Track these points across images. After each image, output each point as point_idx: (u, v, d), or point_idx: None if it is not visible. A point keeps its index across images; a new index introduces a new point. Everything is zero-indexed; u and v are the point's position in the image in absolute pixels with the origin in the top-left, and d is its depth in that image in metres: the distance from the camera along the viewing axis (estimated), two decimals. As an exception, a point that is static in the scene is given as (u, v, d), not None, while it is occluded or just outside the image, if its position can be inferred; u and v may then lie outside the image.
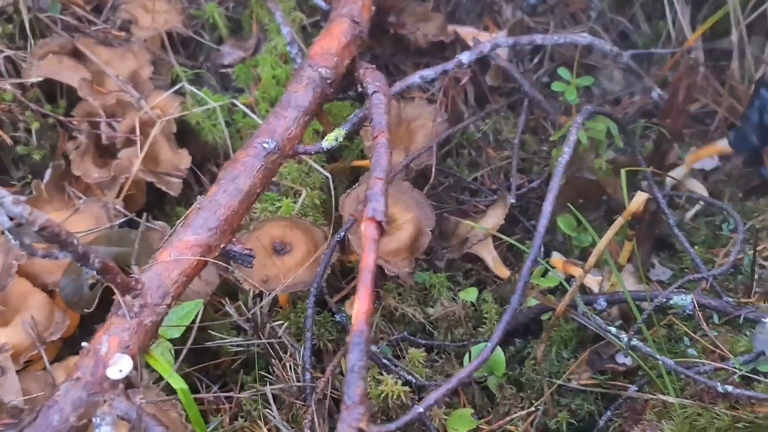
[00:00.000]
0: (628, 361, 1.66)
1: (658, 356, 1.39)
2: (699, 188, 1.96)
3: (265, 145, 1.34)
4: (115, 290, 1.18)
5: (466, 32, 2.13)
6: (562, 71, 1.97)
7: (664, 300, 1.49)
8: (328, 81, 1.44)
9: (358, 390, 0.98)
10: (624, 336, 1.47)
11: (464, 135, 2.07)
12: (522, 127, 2.06)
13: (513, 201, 1.94)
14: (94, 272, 1.12)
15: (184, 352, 1.12)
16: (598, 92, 2.24)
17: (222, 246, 1.30)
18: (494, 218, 1.81)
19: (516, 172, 1.99)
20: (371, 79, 1.36)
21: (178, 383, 1.12)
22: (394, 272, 1.58)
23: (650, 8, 2.25)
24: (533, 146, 2.09)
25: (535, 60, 2.21)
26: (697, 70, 1.73)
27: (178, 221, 1.31)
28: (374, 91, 1.32)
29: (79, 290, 1.45)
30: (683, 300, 1.46)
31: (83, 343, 1.18)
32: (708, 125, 2.09)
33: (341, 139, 1.38)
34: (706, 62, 2.09)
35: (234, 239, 1.32)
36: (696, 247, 1.78)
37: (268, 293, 1.57)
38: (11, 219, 0.98)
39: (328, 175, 1.81)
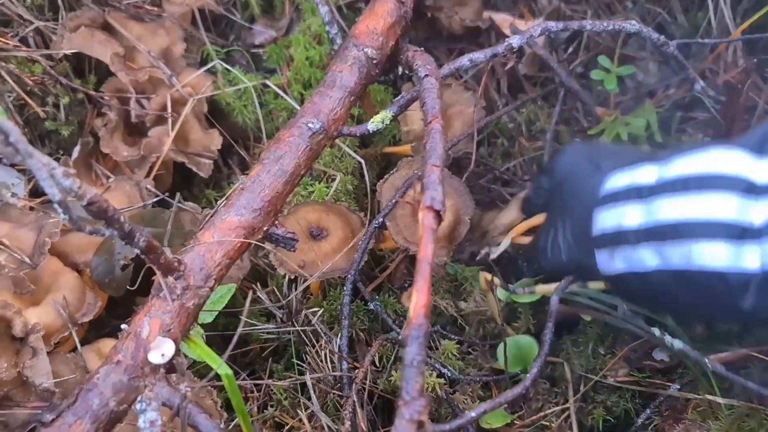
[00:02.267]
0: (666, 357, 1.62)
1: (707, 361, 1.35)
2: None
3: (311, 125, 1.29)
4: (157, 271, 1.14)
5: (502, 19, 2.07)
6: (603, 59, 1.92)
7: None
8: (374, 61, 1.39)
9: (417, 385, 0.94)
10: (667, 337, 1.43)
11: (498, 125, 2.02)
12: (556, 117, 2.02)
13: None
14: (137, 251, 1.07)
15: (234, 339, 1.07)
16: (633, 84, 2.19)
17: (265, 228, 1.25)
18: (512, 212, 1.78)
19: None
20: (421, 62, 1.31)
21: (224, 369, 1.08)
22: (434, 260, 1.53)
23: (688, 0, 2.20)
24: (567, 138, 2.05)
25: (570, 50, 2.16)
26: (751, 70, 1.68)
27: (219, 201, 1.26)
28: (426, 75, 1.27)
29: (111, 271, 1.40)
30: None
31: (123, 325, 1.14)
32: (747, 120, 2.04)
33: (388, 122, 1.34)
34: (748, 56, 2.04)
35: (277, 222, 1.27)
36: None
37: (303, 279, 1.53)
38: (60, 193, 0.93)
39: (362, 161, 1.76)
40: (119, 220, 1.02)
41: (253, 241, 1.22)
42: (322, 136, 1.31)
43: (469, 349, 1.70)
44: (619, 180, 1.34)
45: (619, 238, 1.30)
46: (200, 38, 1.83)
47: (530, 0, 2.14)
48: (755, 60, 1.71)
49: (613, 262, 1.34)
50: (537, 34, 1.43)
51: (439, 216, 1.07)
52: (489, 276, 1.62)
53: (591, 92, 2.11)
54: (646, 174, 1.29)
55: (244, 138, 1.88)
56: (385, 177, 1.60)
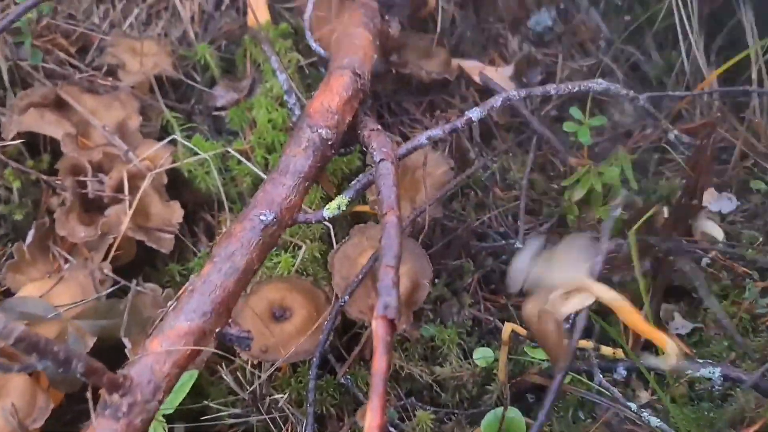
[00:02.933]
0: (653, 421, 1.58)
1: (685, 440, 1.30)
2: (715, 231, 1.87)
3: (262, 218, 1.24)
4: (102, 390, 1.09)
5: (471, 66, 2.03)
6: (574, 111, 1.88)
7: (688, 373, 1.40)
8: (329, 142, 1.34)
9: None
10: (645, 414, 1.38)
11: (470, 176, 1.97)
12: (530, 165, 1.98)
13: (520, 246, 1.85)
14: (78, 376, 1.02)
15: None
16: (609, 125, 2.15)
17: (218, 330, 1.20)
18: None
19: (524, 215, 1.90)
20: (377, 144, 1.26)
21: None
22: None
23: (662, 37, 2.15)
24: (542, 186, 2.00)
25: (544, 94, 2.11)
26: (719, 121, 1.63)
27: (170, 303, 1.21)
28: (381, 159, 1.22)
29: (64, 369, 1.35)
30: (711, 372, 1.37)
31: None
32: (725, 161, 2.00)
33: (344, 207, 1.29)
34: (723, 98, 2.00)
35: (230, 320, 1.22)
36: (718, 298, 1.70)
37: (268, 364, 1.48)
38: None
39: (329, 225, 1.71)
40: (53, 351, 0.97)
41: (204, 348, 1.17)
42: (275, 227, 1.26)
43: (445, 418, 1.65)
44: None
45: None
46: (159, 106, 1.78)
47: (500, 45, 2.09)
48: (719, 114, 1.67)
49: None
50: (498, 104, 1.38)
51: (393, 325, 1.02)
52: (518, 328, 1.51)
53: (566, 136, 2.07)
54: None
55: (209, 204, 1.83)
56: (337, 246, 1.55)
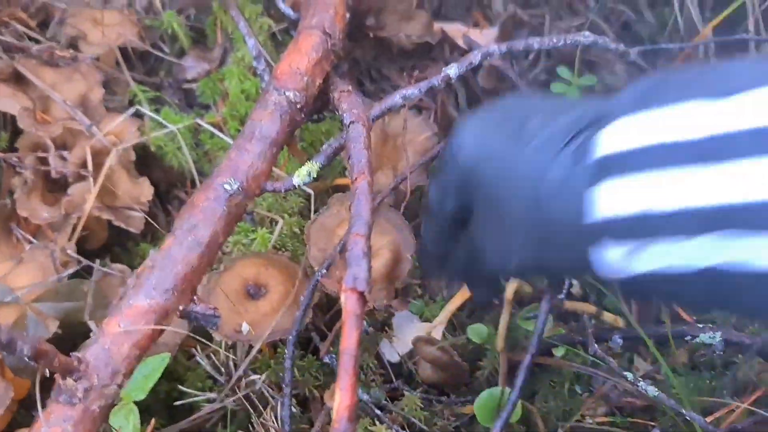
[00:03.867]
0: (651, 390, 1.51)
1: (684, 411, 1.23)
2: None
3: (227, 187, 1.16)
4: (56, 374, 1.01)
5: (454, 29, 1.93)
6: (562, 71, 1.80)
7: (689, 338, 1.33)
8: (298, 106, 1.25)
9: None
10: (642, 384, 1.31)
11: (456, 144, 1.89)
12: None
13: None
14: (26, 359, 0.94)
15: None
16: (600, 88, 2.06)
17: (181, 308, 1.12)
18: None
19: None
20: (347, 105, 1.17)
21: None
22: (370, 305, 1.40)
23: (654, -6, 2.06)
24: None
25: (531, 56, 2.02)
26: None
27: (129, 281, 1.13)
28: (351, 121, 1.13)
29: (25, 355, 1.27)
30: (711, 338, 1.30)
31: (20, 437, 1.01)
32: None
33: (315, 174, 1.20)
34: (719, 52, 1.90)
35: (195, 297, 1.14)
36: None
37: (243, 344, 1.40)
38: None
39: (311, 193, 1.63)
40: (-8, 333, 0.89)
41: (165, 327, 1.09)
42: (241, 197, 1.18)
43: (434, 400, 1.57)
44: (626, 134, 0.78)
45: (649, 226, 0.78)
46: (125, 79, 1.69)
47: (484, 6, 2.00)
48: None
49: (633, 260, 0.82)
50: (477, 61, 1.29)
51: (363, 298, 0.94)
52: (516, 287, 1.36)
53: (556, 101, 1.98)
54: (689, 119, 0.74)
55: (181, 181, 1.75)
56: (313, 217, 1.47)
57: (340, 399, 0.86)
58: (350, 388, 0.87)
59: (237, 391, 1.43)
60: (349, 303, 0.92)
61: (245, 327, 1.36)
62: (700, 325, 1.39)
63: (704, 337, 1.32)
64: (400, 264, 1.45)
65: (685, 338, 1.37)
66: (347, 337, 0.90)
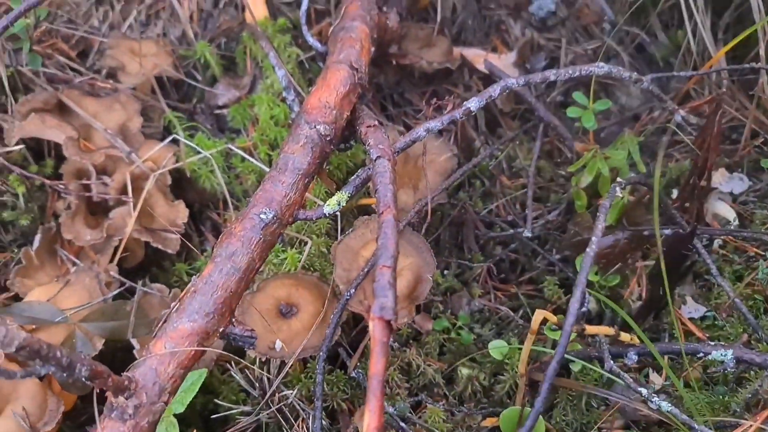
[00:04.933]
0: (665, 405, 1.56)
1: (696, 427, 1.28)
2: (727, 212, 1.85)
3: (263, 216, 1.24)
4: (108, 392, 1.09)
5: (474, 54, 2.01)
6: (578, 96, 1.85)
7: (701, 355, 1.38)
8: (328, 138, 1.33)
9: None
10: (656, 399, 1.37)
11: (477, 165, 1.96)
12: (537, 153, 1.96)
13: (528, 235, 1.84)
14: (83, 379, 1.03)
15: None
16: (616, 109, 2.12)
17: (221, 329, 1.20)
18: None
19: (532, 203, 1.89)
20: (374, 141, 1.25)
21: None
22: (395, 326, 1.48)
23: (667, 17, 2.11)
24: (549, 173, 1.98)
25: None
26: (726, 100, 1.60)
27: (173, 305, 1.21)
28: (378, 156, 1.21)
29: (73, 372, 1.36)
30: (723, 355, 1.35)
31: (76, 451, 1.10)
32: (736, 141, 1.96)
33: (344, 203, 1.28)
34: (731, 76, 1.96)
35: (234, 319, 1.23)
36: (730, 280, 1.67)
37: (276, 360, 1.48)
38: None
39: (337, 215, 1.70)
40: (56, 356, 0.97)
41: (207, 348, 1.17)
42: (276, 226, 1.26)
43: (455, 410, 1.64)
44: None
45: None
46: (161, 107, 1.78)
47: (503, 32, 2.07)
48: (724, 90, 1.63)
49: None
50: (497, 94, 1.36)
51: (390, 326, 1.01)
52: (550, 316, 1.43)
53: (572, 122, 2.05)
54: None
55: (214, 203, 1.83)
56: (340, 238, 1.54)
57: (369, 420, 0.94)
58: (378, 411, 0.94)
59: (270, 404, 1.50)
60: (377, 331, 0.99)
61: (279, 344, 1.43)
62: (712, 343, 1.45)
63: (716, 355, 1.37)
64: (421, 285, 1.52)
65: (698, 355, 1.42)
66: (375, 363, 0.98)
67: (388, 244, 1.06)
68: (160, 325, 1.19)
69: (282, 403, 1.50)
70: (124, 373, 1.12)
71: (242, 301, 1.48)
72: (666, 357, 1.55)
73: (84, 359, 1.01)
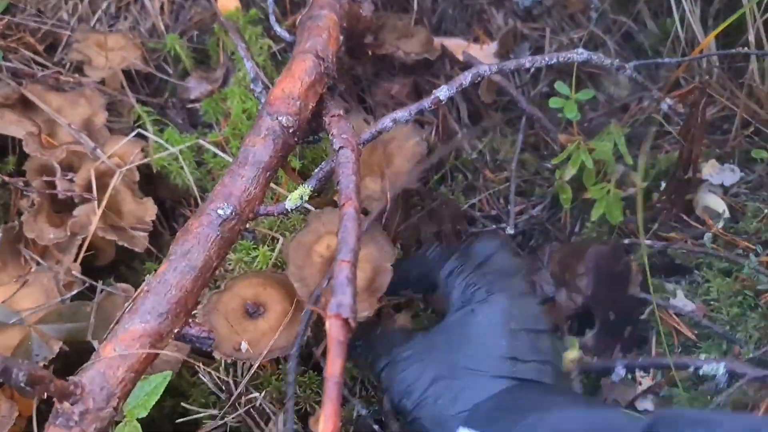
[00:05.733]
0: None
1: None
2: (717, 204, 1.78)
3: (220, 212, 1.19)
4: (53, 398, 1.04)
5: (455, 45, 1.94)
6: (560, 86, 1.79)
7: (692, 369, 1.32)
8: (291, 130, 1.27)
9: None
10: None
11: (459, 158, 1.90)
12: (521, 145, 1.90)
13: (511, 232, 1.78)
14: (21, 385, 0.98)
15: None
16: (604, 99, 2.05)
17: (176, 331, 1.15)
18: None
19: (515, 197, 1.83)
20: (337, 131, 1.19)
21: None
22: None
23: (656, 4, 2.05)
24: (534, 165, 1.92)
25: (533, 69, 2.02)
26: (711, 86, 1.54)
27: (126, 305, 1.16)
28: (341, 147, 1.15)
29: (29, 376, 1.31)
30: (714, 369, 1.28)
31: (19, 460, 1.05)
32: (726, 131, 1.90)
33: (307, 198, 1.23)
34: (721, 63, 1.89)
35: (190, 320, 1.17)
36: (718, 278, 1.60)
37: (241, 362, 1.43)
38: None
39: (312, 208, 1.65)
40: (-12, 362, 0.92)
41: (160, 351, 1.12)
42: (234, 222, 1.20)
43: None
44: None
45: None
46: (130, 101, 1.73)
47: (485, 21, 2.00)
48: (708, 77, 1.56)
49: None
50: (467, 82, 1.30)
51: (348, 324, 0.95)
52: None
53: (557, 113, 1.98)
54: None
55: (186, 199, 1.78)
56: (292, 235, 1.48)
57: (324, 426, 0.88)
58: (334, 416, 0.89)
59: (238, 407, 1.45)
60: (333, 329, 0.94)
61: (244, 346, 1.38)
62: (703, 357, 1.39)
63: (708, 369, 1.31)
64: (381, 275, 1.44)
65: (688, 369, 1.36)
66: (331, 364, 0.92)
67: (349, 239, 1.01)
68: (111, 326, 1.14)
69: (250, 406, 1.45)
70: (70, 377, 1.07)
71: (207, 301, 1.43)
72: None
73: (21, 364, 0.96)
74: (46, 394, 1.02)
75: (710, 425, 0.92)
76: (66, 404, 1.05)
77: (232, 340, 1.39)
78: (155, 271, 1.64)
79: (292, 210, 1.23)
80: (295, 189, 1.27)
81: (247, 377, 1.42)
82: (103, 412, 1.06)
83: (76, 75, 1.64)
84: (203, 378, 1.50)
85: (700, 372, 1.30)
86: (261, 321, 1.42)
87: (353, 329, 0.96)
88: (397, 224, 1.63)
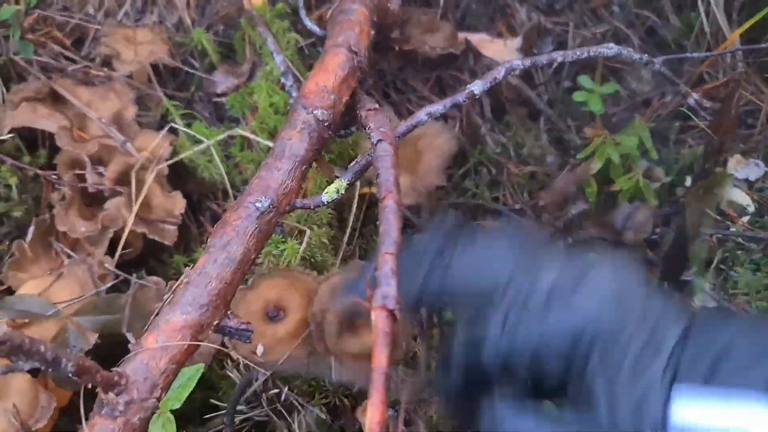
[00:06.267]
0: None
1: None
2: (743, 199, 1.79)
3: (258, 205, 1.19)
4: (98, 389, 1.05)
5: (479, 40, 1.95)
6: (584, 79, 1.80)
7: None
8: (326, 123, 1.28)
9: None
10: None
11: (483, 153, 1.91)
12: (544, 139, 1.91)
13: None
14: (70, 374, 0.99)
15: None
16: (626, 94, 2.06)
17: (216, 322, 1.16)
18: None
19: (538, 191, 1.84)
20: (374, 124, 1.20)
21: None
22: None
23: (680, -2, 2.05)
24: (558, 160, 1.92)
25: (555, 64, 2.02)
26: (742, 78, 1.54)
27: (165, 297, 1.17)
28: (379, 140, 1.16)
29: (67, 367, 1.32)
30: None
31: (65, 449, 1.06)
32: (751, 126, 1.90)
33: (343, 191, 1.23)
34: (746, 58, 1.89)
35: (229, 312, 1.18)
36: (747, 272, 1.61)
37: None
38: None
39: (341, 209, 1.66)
40: (39, 351, 0.93)
41: (201, 343, 1.13)
42: (272, 214, 1.21)
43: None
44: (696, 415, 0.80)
45: None
46: (158, 95, 1.74)
47: (508, 16, 2.01)
48: (742, 70, 1.57)
49: None
50: (501, 76, 1.31)
51: (393, 316, 0.96)
52: None
53: (579, 108, 1.99)
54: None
55: (214, 193, 1.79)
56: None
57: (371, 415, 0.89)
58: (381, 405, 0.89)
59: (263, 402, 1.46)
60: (379, 321, 0.94)
61: (260, 349, 1.38)
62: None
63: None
64: None
65: None
66: (378, 355, 0.93)
67: (391, 231, 1.01)
68: (152, 318, 1.14)
69: (276, 401, 1.46)
70: (114, 368, 1.08)
71: (236, 297, 1.43)
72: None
73: (70, 354, 0.96)
74: (91, 384, 1.03)
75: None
76: (111, 395, 1.06)
77: (252, 343, 1.39)
78: (185, 264, 1.67)
79: (328, 203, 1.23)
80: (328, 184, 1.28)
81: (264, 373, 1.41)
82: (147, 402, 1.07)
83: (105, 69, 1.65)
84: (230, 374, 1.51)
85: None
86: (280, 326, 1.41)
87: (397, 320, 0.97)
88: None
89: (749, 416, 0.77)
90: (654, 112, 1.97)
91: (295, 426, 1.44)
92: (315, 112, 1.28)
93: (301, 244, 1.62)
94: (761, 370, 0.80)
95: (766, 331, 0.86)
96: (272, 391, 1.45)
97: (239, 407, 1.46)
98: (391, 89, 1.92)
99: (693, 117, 1.72)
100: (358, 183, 1.72)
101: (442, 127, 1.65)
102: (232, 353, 1.37)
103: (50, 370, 0.95)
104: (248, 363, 1.41)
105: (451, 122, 1.92)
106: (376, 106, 1.28)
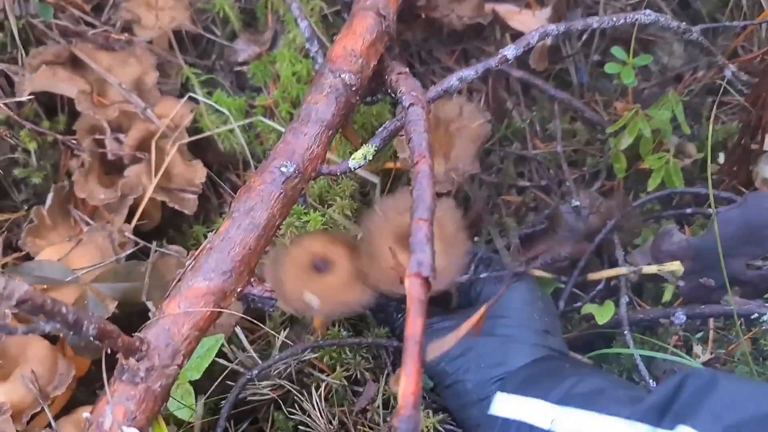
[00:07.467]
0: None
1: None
2: (776, 176, 1.73)
3: (283, 169, 1.16)
4: (118, 354, 1.03)
5: (506, 10, 1.89)
6: (616, 50, 1.74)
7: (756, 315, 1.28)
8: (353, 88, 1.24)
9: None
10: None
11: (509, 127, 1.86)
12: (572, 114, 1.86)
13: (577, 204, 1.71)
14: (90, 338, 0.96)
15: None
16: (657, 69, 2.00)
17: (239, 289, 1.13)
18: None
19: (566, 167, 1.79)
20: (406, 88, 1.16)
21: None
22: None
23: (715, -31, 1.98)
24: (585, 135, 1.87)
25: (584, 37, 1.97)
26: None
27: (187, 262, 1.14)
28: (411, 104, 1.12)
29: (86, 335, 1.29)
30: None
31: (84, 414, 1.03)
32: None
33: (371, 157, 1.19)
34: (784, 32, 1.83)
35: (252, 279, 1.15)
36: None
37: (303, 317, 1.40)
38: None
39: (375, 180, 1.62)
40: (61, 312, 0.90)
41: (224, 310, 1.10)
42: (297, 180, 1.18)
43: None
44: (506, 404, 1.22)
45: None
46: (178, 62, 1.70)
47: (537, -14, 1.95)
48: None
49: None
50: (535, 41, 1.26)
51: (428, 283, 0.93)
52: None
53: (611, 83, 1.93)
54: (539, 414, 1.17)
55: (234, 163, 1.76)
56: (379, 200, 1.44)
57: (405, 385, 0.86)
58: (415, 373, 0.86)
59: (280, 374, 1.43)
60: (413, 288, 0.91)
61: (312, 298, 1.34)
62: (768, 304, 1.35)
63: (769, 318, 1.27)
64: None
65: (752, 317, 1.32)
66: (412, 324, 0.89)
67: (425, 196, 0.98)
68: (174, 284, 1.12)
69: (301, 373, 1.43)
70: (136, 334, 1.05)
71: (275, 255, 1.39)
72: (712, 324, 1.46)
73: (92, 317, 0.94)
74: (112, 349, 1.01)
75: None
76: (132, 360, 1.03)
77: (299, 293, 1.35)
78: (205, 234, 1.64)
79: (355, 169, 1.19)
80: (355, 150, 1.24)
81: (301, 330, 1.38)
82: (168, 369, 1.05)
83: (126, 34, 1.61)
84: (247, 347, 1.49)
85: (763, 318, 1.26)
86: (329, 276, 1.38)
87: (431, 288, 0.93)
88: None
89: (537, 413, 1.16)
90: (686, 87, 1.91)
91: (315, 397, 1.41)
92: (342, 75, 1.24)
93: (324, 216, 1.59)
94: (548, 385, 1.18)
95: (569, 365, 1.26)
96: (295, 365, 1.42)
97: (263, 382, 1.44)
98: (415, 60, 1.87)
99: (731, 90, 1.66)
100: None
101: (476, 110, 1.60)
102: (282, 308, 1.34)
103: (71, 333, 0.92)
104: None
105: (477, 95, 1.87)
106: (407, 69, 1.24)
